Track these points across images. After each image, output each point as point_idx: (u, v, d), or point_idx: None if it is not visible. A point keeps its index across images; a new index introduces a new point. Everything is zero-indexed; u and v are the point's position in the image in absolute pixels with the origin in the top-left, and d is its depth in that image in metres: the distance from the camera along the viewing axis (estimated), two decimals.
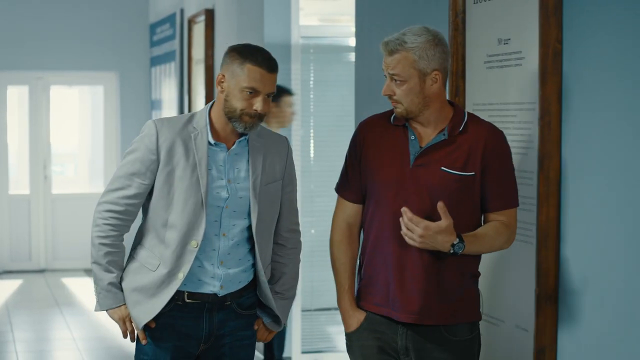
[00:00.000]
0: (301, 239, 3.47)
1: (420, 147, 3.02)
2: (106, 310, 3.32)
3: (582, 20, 2.99)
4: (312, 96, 6.61)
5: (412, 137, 3.03)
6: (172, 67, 9.40)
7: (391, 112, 3.11)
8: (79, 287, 9.80)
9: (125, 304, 3.30)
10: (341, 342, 6.66)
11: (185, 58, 8.75)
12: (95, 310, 3.33)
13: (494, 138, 3.00)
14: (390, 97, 3.02)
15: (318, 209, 6.65)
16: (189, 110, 8.46)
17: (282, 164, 3.33)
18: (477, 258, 3.08)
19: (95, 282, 3.31)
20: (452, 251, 2.91)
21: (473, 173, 2.98)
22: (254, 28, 6.60)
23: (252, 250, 3.30)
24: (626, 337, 2.81)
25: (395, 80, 2.98)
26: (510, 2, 3.33)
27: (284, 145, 3.37)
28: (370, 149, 3.11)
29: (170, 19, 9.53)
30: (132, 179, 3.23)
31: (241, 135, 3.26)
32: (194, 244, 3.20)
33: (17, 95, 11.04)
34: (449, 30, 3.70)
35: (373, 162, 3.09)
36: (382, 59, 3.02)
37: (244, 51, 3.17)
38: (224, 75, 3.19)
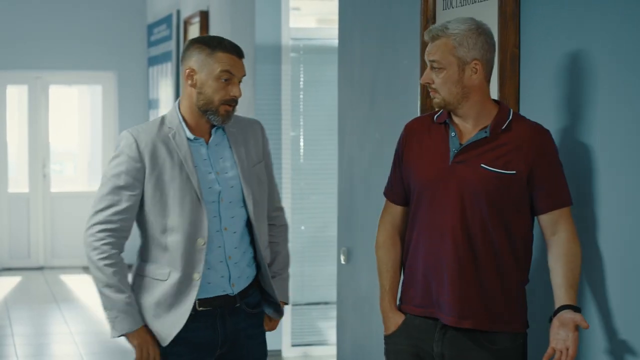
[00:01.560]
0: (292, 235, 3.55)
1: (460, 144, 2.97)
2: (125, 336, 3.19)
3: (538, 26, 3.23)
4: (302, 96, 6.81)
5: (453, 134, 2.99)
6: (168, 67, 9.60)
7: (435, 112, 3.11)
8: (77, 283, 9.97)
9: (143, 326, 3.19)
10: (330, 335, 6.88)
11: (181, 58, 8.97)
12: (112, 336, 3.20)
13: (540, 137, 2.93)
14: (429, 85, 2.98)
15: (308, 207, 6.84)
16: None
17: (259, 145, 3.34)
18: (520, 265, 2.98)
19: (109, 308, 3.16)
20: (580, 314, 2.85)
21: (514, 172, 2.91)
22: (246, 29, 6.83)
23: (251, 241, 3.30)
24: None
25: (435, 68, 2.94)
26: (474, 8, 3.58)
27: (258, 126, 3.38)
28: (411, 149, 3.09)
29: (167, 19, 9.72)
30: (121, 193, 3.15)
31: (212, 126, 3.24)
32: (201, 241, 3.17)
33: (17, 95, 11.17)
34: (420, 35, 3.96)
35: (414, 161, 3.07)
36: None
37: (210, 41, 3.19)
38: (193, 69, 3.18)
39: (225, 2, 7.43)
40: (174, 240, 3.17)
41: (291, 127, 6.75)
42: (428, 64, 2.97)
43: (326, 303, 6.94)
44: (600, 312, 2.92)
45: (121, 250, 3.21)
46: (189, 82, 3.20)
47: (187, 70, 3.19)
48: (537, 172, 2.91)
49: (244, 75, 3.22)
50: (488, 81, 2.98)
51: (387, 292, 3.15)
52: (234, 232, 3.24)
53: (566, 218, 2.93)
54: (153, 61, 10.54)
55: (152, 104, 10.57)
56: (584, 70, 2.99)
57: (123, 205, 3.16)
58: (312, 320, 6.98)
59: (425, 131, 3.08)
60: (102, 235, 3.16)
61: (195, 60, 3.18)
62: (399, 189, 3.15)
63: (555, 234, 2.94)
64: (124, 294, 3.15)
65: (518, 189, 2.92)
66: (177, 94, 9.12)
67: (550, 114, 3.16)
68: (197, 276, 3.18)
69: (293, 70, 6.75)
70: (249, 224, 3.29)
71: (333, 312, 6.55)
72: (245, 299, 3.29)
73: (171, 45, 9.44)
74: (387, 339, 3.14)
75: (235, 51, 3.19)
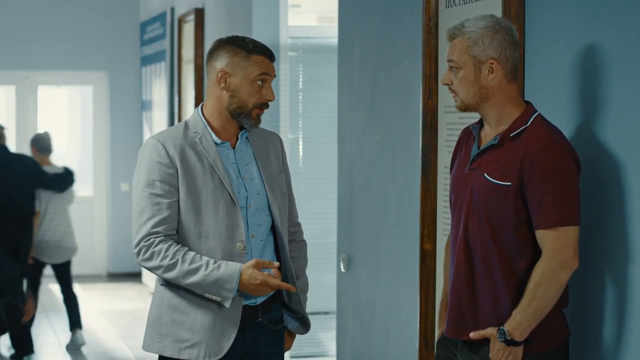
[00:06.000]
0: None
1: (478, 150, 3.02)
2: (239, 291, 3.17)
3: (542, 25, 3.29)
4: (300, 97, 6.85)
5: (476, 140, 3.04)
6: (162, 67, 9.65)
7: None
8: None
9: (239, 269, 3.13)
10: (330, 346, 6.90)
11: (175, 58, 9.02)
12: (227, 306, 3.17)
13: (539, 150, 2.87)
14: (449, 87, 3.02)
15: (307, 212, 6.84)
16: (179, 112, 8.72)
17: (279, 157, 3.42)
18: (523, 283, 2.91)
19: (207, 291, 3.16)
20: (504, 340, 2.87)
21: (509, 183, 2.90)
22: (242, 27, 6.87)
23: (275, 249, 3.35)
24: None
25: (453, 68, 2.97)
26: (478, 7, 3.63)
27: (277, 138, 3.45)
28: (454, 157, 3.17)
29: (160, 17, 9.78)
30: (160, 203, 3.18)
31: (239, 131, 3.31)
32: (240, 246, 3.21)
33: (4, 95, 11.24)
34: (422, 33, 4.02)
35: (452, 169, 3.16)
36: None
37: (243, 43, 3.24)
38: (226, 71, 3.23)
39: None
40: (210, 246, 3.21)
41: (290, 130, 6.78)
42: (447, 64, 3.01)
43: (326, 313, 6.96)
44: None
45: (175, 239, 3.20)
46: (222, 84, 3.25)
47: (220, 73, 3.24)
48: (528, 187, 2.88)
49: (275, 77, 3.31)
50: (511, 81, 2.97)
51: (442, 301, 3.25)
52: (260, 240, 3.30)
53: (551, 240, 2.85)
54: (146, 61, 10.59)
55: (145, 105, 10.62)
56: (591, 69, 3.04)
57: (164, 213, 3.19)
58: (312, 331, 6.92)
59: (466, 138, 3.13)
60: (147, 243, 3.17)
61: (228, 62, 3.23)
62: None
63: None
64: (201, 269, 3.13)
65: (513, 201, 2.89)
66: (171, 95, 9.16)
67: (556, 114, 3.21)
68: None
69: (292, 70, 6.78)
70: (273, 233, 3.34)
71: (333, 323, 6.57)
72: (268, 314, 3.34)
73: (165, 44, 9.49)
74: (435, 345, 3.26)
75: (269, 54, 3.27)
